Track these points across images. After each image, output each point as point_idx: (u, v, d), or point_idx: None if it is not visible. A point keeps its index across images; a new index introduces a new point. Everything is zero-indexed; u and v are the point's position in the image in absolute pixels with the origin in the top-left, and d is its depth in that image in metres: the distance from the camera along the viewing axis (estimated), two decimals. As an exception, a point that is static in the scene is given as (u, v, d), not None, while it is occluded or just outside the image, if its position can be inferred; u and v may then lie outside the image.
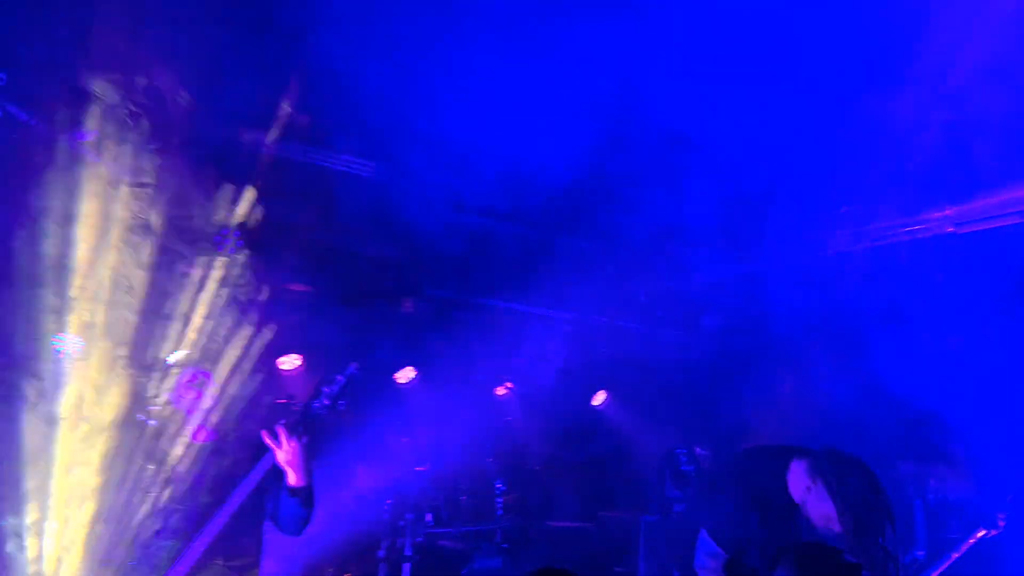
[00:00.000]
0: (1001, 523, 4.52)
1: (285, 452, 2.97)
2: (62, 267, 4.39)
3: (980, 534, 4.59)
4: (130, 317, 4.72)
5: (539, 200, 5.95)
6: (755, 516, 3.51)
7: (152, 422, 3.26)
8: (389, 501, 5.96)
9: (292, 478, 3.00)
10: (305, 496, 3.06)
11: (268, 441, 2.99)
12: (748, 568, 3.40)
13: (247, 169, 5.38)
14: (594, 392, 9.16)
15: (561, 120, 5.01)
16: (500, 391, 9.11)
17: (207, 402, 3.30)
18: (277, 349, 7.88)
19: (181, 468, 3.16)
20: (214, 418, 3.31)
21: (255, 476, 3.01)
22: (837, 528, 3.34)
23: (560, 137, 5.11)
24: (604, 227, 6.53)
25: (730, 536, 3.50)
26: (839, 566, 2.47)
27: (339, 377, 3.05)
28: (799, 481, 3.46)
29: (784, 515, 3.54)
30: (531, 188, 5.64)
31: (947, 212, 5.91)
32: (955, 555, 4.57)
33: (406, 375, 9.06)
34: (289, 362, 7.95)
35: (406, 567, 5.75)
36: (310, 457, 3.07)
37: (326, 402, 3.03)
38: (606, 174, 5.79)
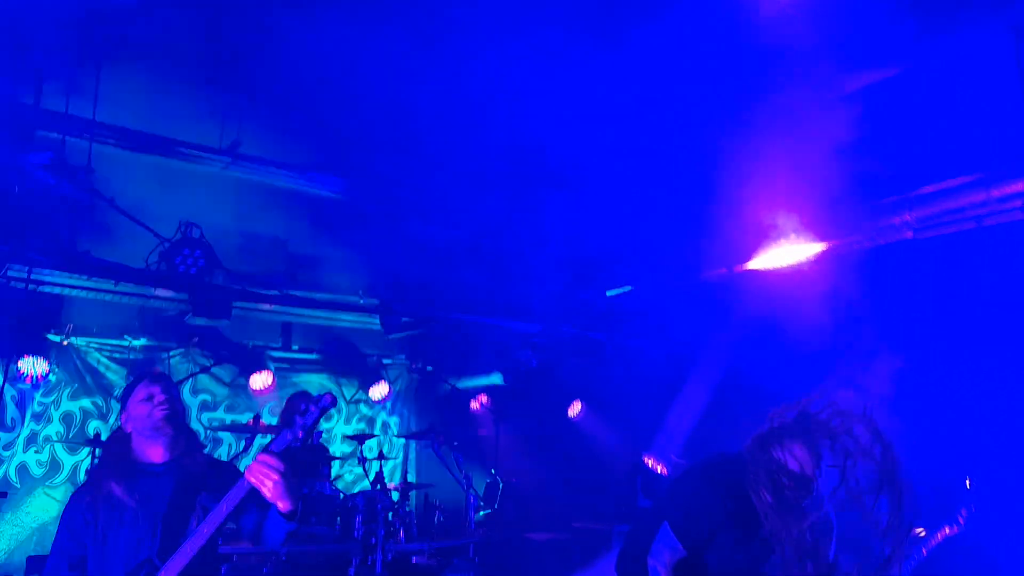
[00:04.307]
0: (961, 520, 4.55)
1: (270, 489, 2.85)
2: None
3: (945, 532, 4.62)
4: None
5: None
6: (721, 517, 3.47)
7: None
8: (360, 518, 5.90)
9: (283, 506, 2.91)
10: (296, 515, 3.00)
11: (252, 480, 2.87)
12: (702, 571, 3.36)
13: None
14: (570, 403, 9.17)
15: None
16: (474, 405, 9.11)
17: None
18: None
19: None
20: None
21: (228, 505, 2.89)
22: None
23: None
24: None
25: (694, 533, 3.45)
26: None
27: (313, 408, 2.98)
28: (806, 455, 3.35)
29: (750, 519, 3.51)
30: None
31: (906, 217, 5.98)
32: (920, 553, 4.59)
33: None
34: (260, 381, 7.92)
35: (377, 584, 5.69)
36: (295, 480, 2.98)
37: (300, 434, 2.96)
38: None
